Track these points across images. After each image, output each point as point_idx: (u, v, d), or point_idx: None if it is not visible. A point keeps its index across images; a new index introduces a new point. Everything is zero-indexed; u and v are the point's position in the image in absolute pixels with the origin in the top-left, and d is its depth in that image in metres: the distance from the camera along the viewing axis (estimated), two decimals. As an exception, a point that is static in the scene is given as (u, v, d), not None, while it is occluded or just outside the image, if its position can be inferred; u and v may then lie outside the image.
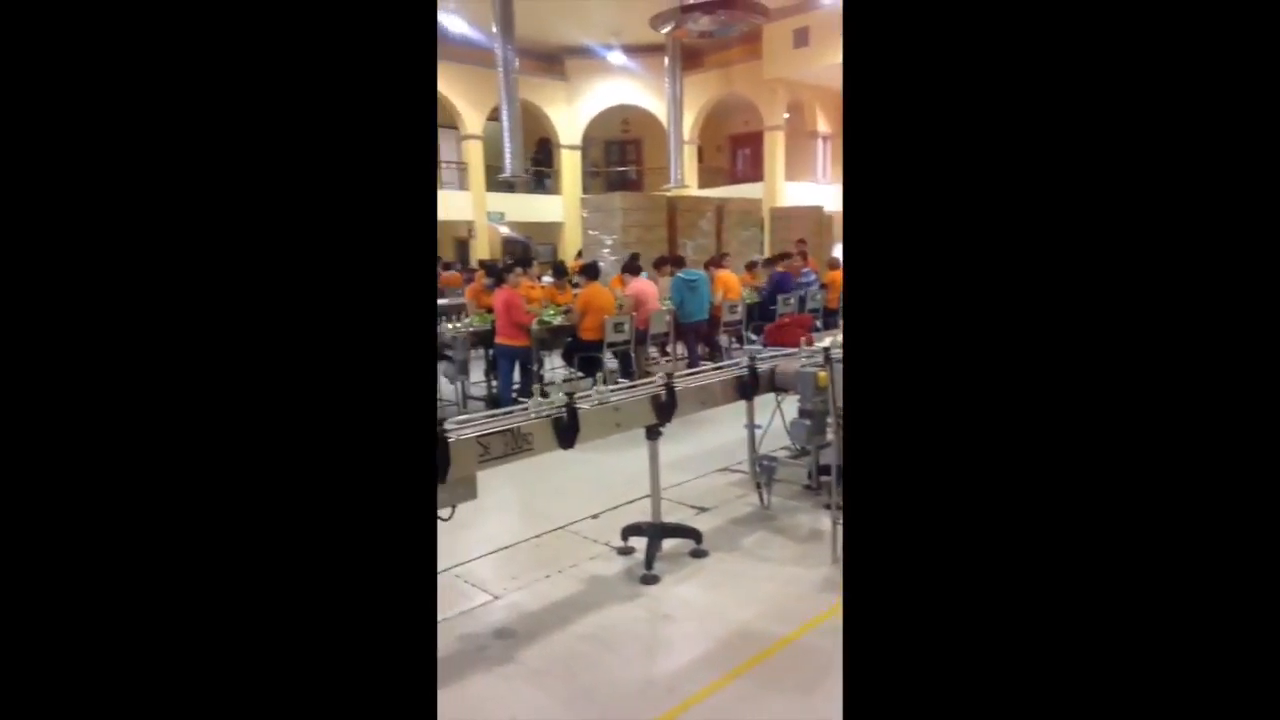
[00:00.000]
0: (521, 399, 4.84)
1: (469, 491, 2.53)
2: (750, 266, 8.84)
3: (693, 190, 14.87)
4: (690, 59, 15.14)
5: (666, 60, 13.14)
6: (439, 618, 2.80)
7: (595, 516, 3.78)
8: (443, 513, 2.43)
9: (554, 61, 16.85)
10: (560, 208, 17.48)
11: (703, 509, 3.87)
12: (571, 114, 17.26)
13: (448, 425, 2.44)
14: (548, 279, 8.22)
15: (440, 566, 3.23)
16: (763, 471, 3.82)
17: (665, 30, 8.49)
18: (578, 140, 17.47)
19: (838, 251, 10.04)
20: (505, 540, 3.54)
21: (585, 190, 17.05)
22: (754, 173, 16.83)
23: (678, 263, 7.36)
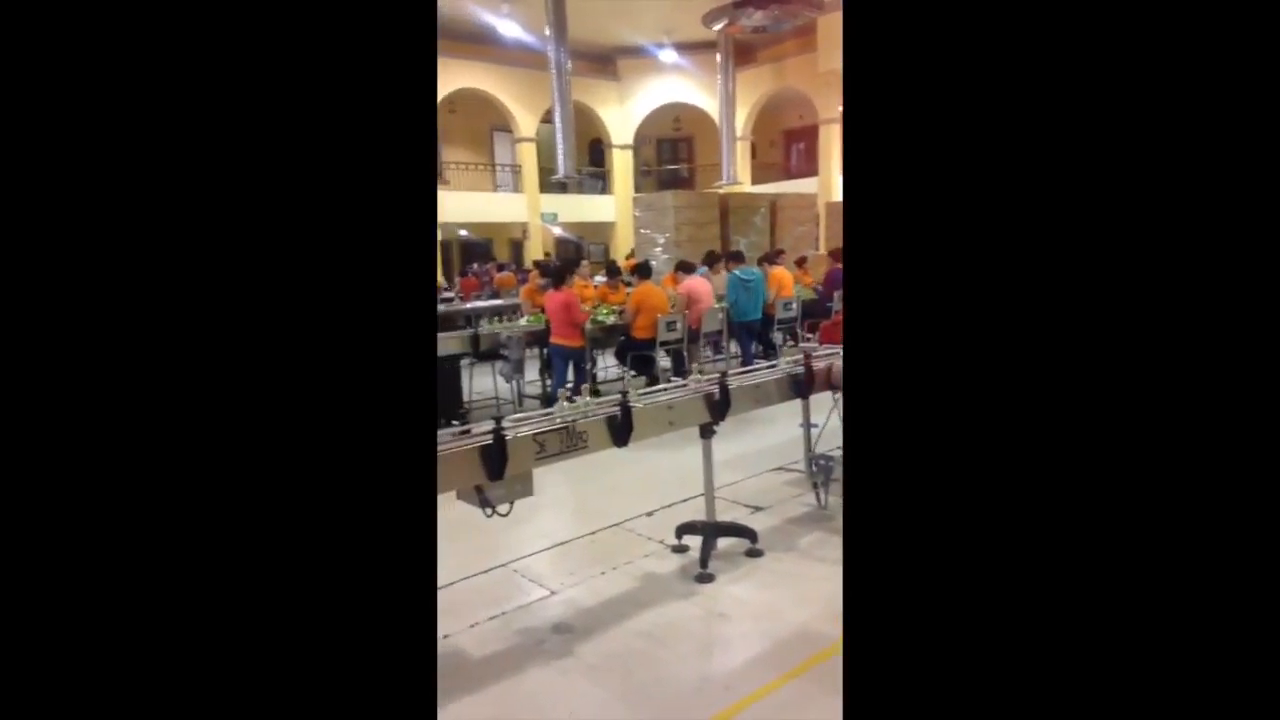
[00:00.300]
0: (576, 397, 4.89)
1: (526, 488, 2.57)
2: (800, 262, 8.70)
3: (746, 186, 14.76)
4: (743, 54, 15.01)
5: (719, 57, 13.06)
6: (497, 610, 2.87)
7: (649, 514, 3.80)
8: (501, 508, 2.48)
9: (606, 62, 16.95)
10: (612, 207, 17.59)
11: (758, 508, 3.84)
12: (623, 114, 17.33)
13: (505, 423, 2.48)
14: (600, 278, 8.28)
15: (498, 560, 3.30)
16: (819, 471, 3.77)
17: (718, 27, 8.44)
18: (629, 139, 17.53)
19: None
20: (561, 536, 3.59)
21: (637, 189, 17.10)
22: (809, 167, 16.57)
23: (736, 259, 7.30)
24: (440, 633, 2.70)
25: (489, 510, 2.46)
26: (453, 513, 2.71)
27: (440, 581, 3.12)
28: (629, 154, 17.61)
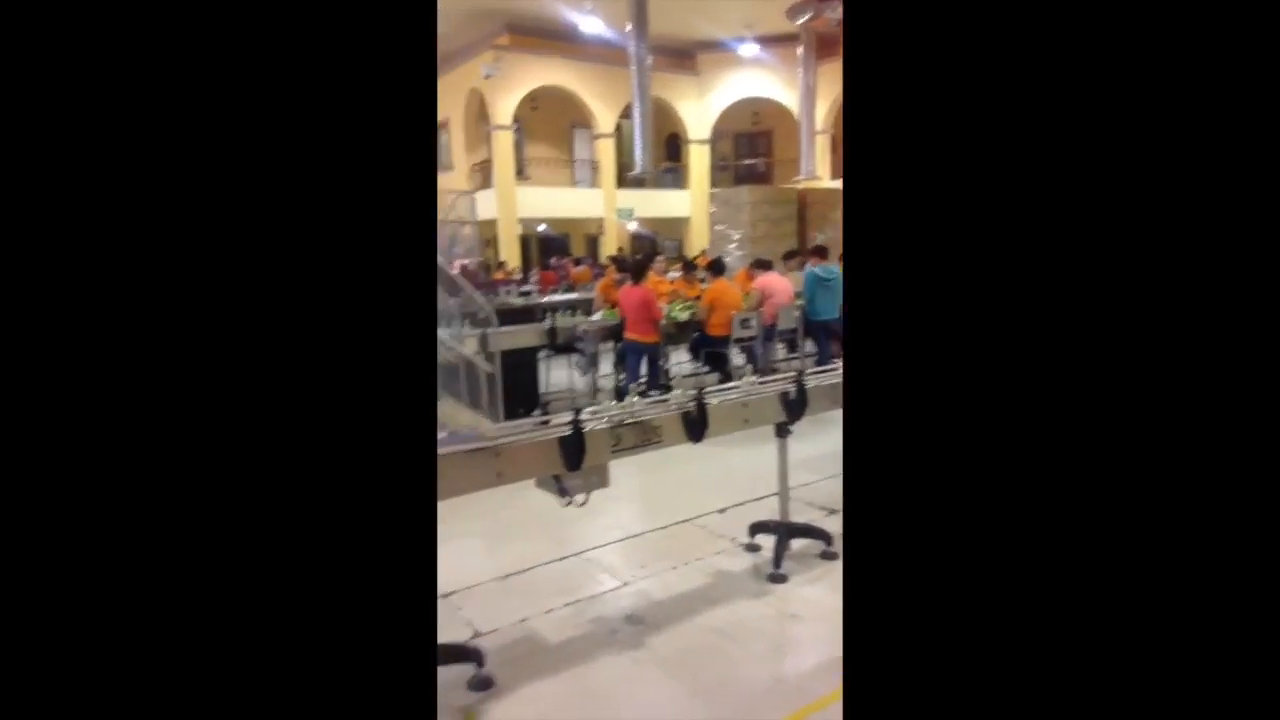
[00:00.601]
0: (651, 392, 4.93)
1: (601, 480, 2.62)
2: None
3: (825, 181, 14.44)
4: (825, 47, 14.66)
5: (800, 50, 12.81)
6: (571, 598, 2.93)
7: (722, 511, 3.79)
8: (578, 498, 2.54)
9: (685, 57, 16.91)
10: (688, 203, 17.55)
11: (833, 511, 3.78)
12: (701, 108, 17.26)
13: (583, 415, 2.54)
14: (674, 274, 8.30)
15: (572, 549, 3.38)
16: (898, 475, 3.67)
17: (801, 20, 8.28)
18: (707, 134, 17.45)
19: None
20: (634, 529, 3.64)
21: (713, 184, 17.01)
22: (891, 162, 16.03)
23: (820, 253, 7.15)
24: (517, 616, 2.79)
25: (566, 500, 2.52)
26: (531, 501, 2.79)
27: (518, 566, 3.22)
28: (706, 149, 17.52)
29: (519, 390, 5.65)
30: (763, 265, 6.83)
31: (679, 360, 7.08)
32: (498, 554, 3.36)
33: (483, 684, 2.33)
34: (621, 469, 2.76)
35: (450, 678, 2.34)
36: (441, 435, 2.64)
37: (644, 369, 6.07)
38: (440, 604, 2.89)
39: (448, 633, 2.62)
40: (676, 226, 17.99)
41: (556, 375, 6.72)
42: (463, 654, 2.41)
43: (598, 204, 16.44)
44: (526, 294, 9.59)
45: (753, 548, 3.32)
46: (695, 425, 2.81)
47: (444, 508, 2.21)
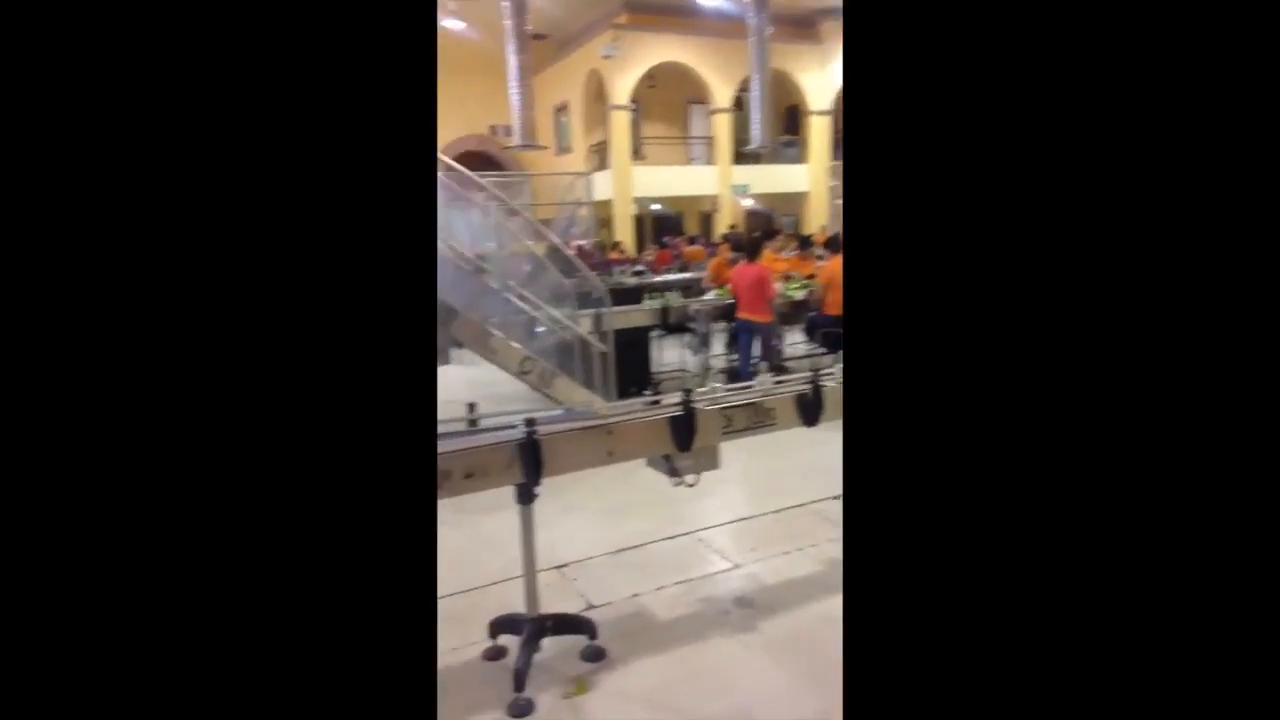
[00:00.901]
0: (763, 374, 4.84)
1: (712, 461, 2.60)
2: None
3: (957, 151, 13.49)
4: (961, 3, 13.62)
5: (933, 8, 11.95)
6: (683, 577, 2.95)
7: (837, 498, 3.68)
8: (689, 479, 2.54)
9: (807, 25, 16.26)
10: (806, 177, 16.98)
11: (958, 501, 3.57)
12: (823, 78, 16.56)
13: (694, 396, 2.52)
14: (789, 253, 8.06)
15: (684, 529, 3.40)
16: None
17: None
18: (828, 105, 16.74)
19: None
20: (745, 511, 3.60)
21: (835, 156, 16.34)
22: (1034, 127, 14.73)
23: None
24: (629, 591, 2.85)
25: (676, 480, 2.53)
26: (642, 479, 2.82)
27: (630, 542, 3.28)
28: (827, 120, 16.83)
29: (632, 369, 5.72)
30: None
31: (794, 341, 6.91)
32: (611, 529, 3.43)
33: (595, 655, 2.40)
34: (734, 451, 2.73)
35: (564, 647, 2.43)
36: (556, 413, 2.72)
37: (757, 349, 5.97)
38: (555, 575, 3.00)
39: (562, 603, 2.71)
40: (794, 202, 17.45)
41: (669, 354, 6.74)
42: (576, 625, 2.49)
43: (712, 181, 16.22)
44: (640, 273, 9.65)
45: (870, 536, 3.20)
46: (810, 408, 2.73)
47: (558, 482, 2.29)
